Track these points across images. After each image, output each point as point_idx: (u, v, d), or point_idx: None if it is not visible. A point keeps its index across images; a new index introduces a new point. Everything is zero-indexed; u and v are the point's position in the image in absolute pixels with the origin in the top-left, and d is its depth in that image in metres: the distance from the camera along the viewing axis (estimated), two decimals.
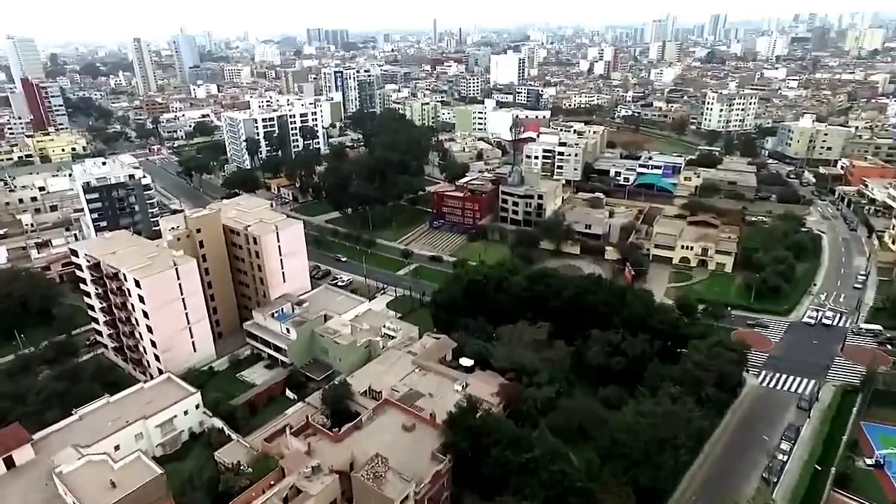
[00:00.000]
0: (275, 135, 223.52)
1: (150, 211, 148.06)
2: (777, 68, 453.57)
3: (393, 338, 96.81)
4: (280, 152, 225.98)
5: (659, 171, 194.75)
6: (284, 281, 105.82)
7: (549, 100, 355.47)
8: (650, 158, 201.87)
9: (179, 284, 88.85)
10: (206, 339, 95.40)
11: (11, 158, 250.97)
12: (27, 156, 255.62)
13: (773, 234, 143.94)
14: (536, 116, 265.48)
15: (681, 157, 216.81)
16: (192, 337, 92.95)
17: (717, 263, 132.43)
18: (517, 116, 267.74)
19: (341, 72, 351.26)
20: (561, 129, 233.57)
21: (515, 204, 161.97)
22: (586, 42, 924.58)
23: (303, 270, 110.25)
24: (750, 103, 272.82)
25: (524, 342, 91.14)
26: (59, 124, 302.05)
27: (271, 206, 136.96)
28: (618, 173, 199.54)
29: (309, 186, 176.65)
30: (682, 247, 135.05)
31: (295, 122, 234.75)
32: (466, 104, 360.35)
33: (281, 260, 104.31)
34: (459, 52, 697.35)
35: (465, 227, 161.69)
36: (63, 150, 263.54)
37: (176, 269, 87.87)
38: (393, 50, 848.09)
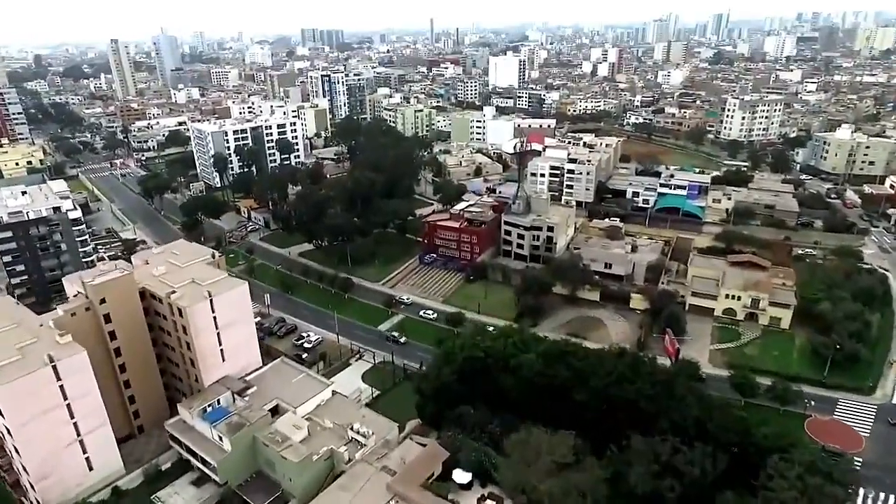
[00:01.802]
0: (247, 149, 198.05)
1: (82, 250, 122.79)
2: (791, 70, 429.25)
3: (363, 445, 71.97)
4: (254, 169, 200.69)
5: (683, 192, 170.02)
6: (224, 360, 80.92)
7: (553, 105, 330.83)
8: (672, 176, 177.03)
9: (61, 386, 63.80)
10: (106, 449, 70.44)
11: None
12: None
13: (831, 276, 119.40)
14: (541, 125, 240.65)
15: (704, 173, 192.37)
16: (84, 452, 68.03)
17: (770, 317, 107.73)
18: (519, 125, 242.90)
19: (329, 76, 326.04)
20: (569, 142, 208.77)
21: (521, 237, 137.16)
22: (587, 42, 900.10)
23: (249, 343, 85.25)
24: (774, 110, 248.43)
25: (541, 461, 66.33)
26: (18, 134, 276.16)
27: (222, 248, 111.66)
28: (636, 194, 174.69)
29: (280, 212, 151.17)
30: (727, 296, 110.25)
31: (272, 135, 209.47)
32: (464, 109, 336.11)
33: (218, 334, 79.35)
34: (457, 53, 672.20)
35: (461, 263, 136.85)
36: (17, 164, 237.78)
37: (54, 366, 62.83)
38: (388, 51, 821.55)
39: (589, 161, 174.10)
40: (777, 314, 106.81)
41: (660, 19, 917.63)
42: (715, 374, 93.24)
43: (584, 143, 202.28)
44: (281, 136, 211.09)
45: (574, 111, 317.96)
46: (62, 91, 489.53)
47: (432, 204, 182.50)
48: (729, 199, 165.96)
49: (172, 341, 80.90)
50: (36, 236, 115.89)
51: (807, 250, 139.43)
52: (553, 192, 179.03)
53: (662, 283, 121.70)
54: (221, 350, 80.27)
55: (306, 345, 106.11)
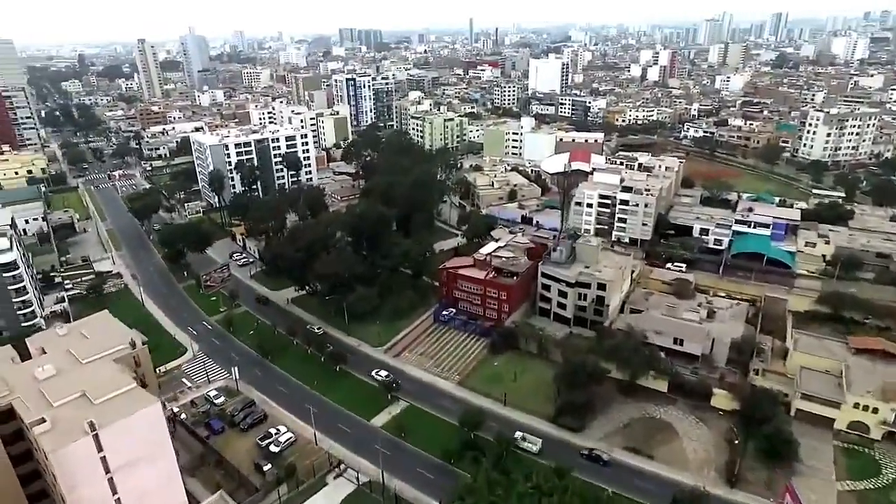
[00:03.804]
0: (249, 165, 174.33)
1: (19, 300, 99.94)
2: (872, 75, 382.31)
3: None
4: (258, 188, 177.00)
5: (766, 232, 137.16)
6: None
7: (599, 113, 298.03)
8: (750, 210, 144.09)
9: None
10: None
11: None
12: None
13: None
14: (586, 140, 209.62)
15: (786, 203, 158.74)
16: None
17: None
18: (561, 140, 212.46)
19: (354, 79, 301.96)
20: (621, 162, 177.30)
21: (563, 294, 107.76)
22: (633, 43, 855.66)
23: (168, 484, 59.10)
24: (867, 125, 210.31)
25: None
26: (27, 139, 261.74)
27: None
28: (704, 231, 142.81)
29: (269, 250, 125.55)
30: (857, 405, 78.63)
31: (279, 148, 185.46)
32: (500, 116, 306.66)
33: (110, 480, 53.57)
34: (496, 55, 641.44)
35: (485, 325, 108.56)
36: (16, 173, 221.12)
37: None
38: (426, 51, 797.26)
39: (648, 191, 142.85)
40: None
41: (713, 19, 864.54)
42: None
43: (640, 164, 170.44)
44: (290, 150, 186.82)
45: (623, 121, 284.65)
46: (94, 91, 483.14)
47: (456, 235, 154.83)
48: (827, 242, 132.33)
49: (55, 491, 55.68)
50: None
51: None
52: (602, 227, 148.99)
53: (754, 371, 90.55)
54: (117, 501, 54.40)
55: (273, 447, 79.83)
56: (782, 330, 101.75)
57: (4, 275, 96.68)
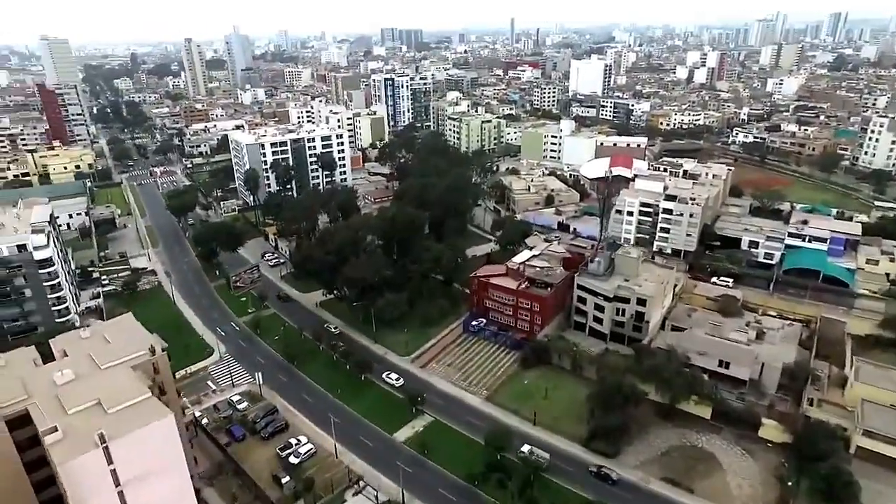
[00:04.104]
0: (284, 165, 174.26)
1: (54, 296, 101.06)
2: None
3: None
4: (293, 188, 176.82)
5: (823, 247, 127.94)
6: None
7: (642, 117, 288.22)
8: (805, 223, 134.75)
9: None
10: None
11: (5, 178, 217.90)
12: (24, 174, 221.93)
13: None
14: (628, 144, 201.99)
15: (845, 216, 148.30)
16: None
17: None
18: (602, 144, 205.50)
19: (392, 79, 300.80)
20: (664, 169, 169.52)
21: (600, 308, 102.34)
22: (679, 44, 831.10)
23: (181, 501, 57.11)
24: None
25: None
26: (77, 135, 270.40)
27: None
28: (754, 244, 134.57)
29: (298, 252, 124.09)
30: None
31: (314, 148, 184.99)
32: (539, 118, 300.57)
33: (120, 494, 51.85)
34: (536, 55, 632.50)
35: (517, 337, 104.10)
36: (65, 168, 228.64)
37: None
38: (466, 51, 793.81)
39: (693, 200, 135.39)
40: None
41: (765, 19, 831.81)
42: None
43: (685, 171, 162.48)
44: (325, 151, 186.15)
45: (667, 125, 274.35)
46: (143, 89, 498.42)
47: (490, 240, 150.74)
48: (891, 259, 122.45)
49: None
50: None
51: None
52: (643, 236, 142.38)
53: (808, 400, 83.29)
54: None
55: (293, 458, 77.57)
56: (840, 356, 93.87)
57: (40, 271, 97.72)
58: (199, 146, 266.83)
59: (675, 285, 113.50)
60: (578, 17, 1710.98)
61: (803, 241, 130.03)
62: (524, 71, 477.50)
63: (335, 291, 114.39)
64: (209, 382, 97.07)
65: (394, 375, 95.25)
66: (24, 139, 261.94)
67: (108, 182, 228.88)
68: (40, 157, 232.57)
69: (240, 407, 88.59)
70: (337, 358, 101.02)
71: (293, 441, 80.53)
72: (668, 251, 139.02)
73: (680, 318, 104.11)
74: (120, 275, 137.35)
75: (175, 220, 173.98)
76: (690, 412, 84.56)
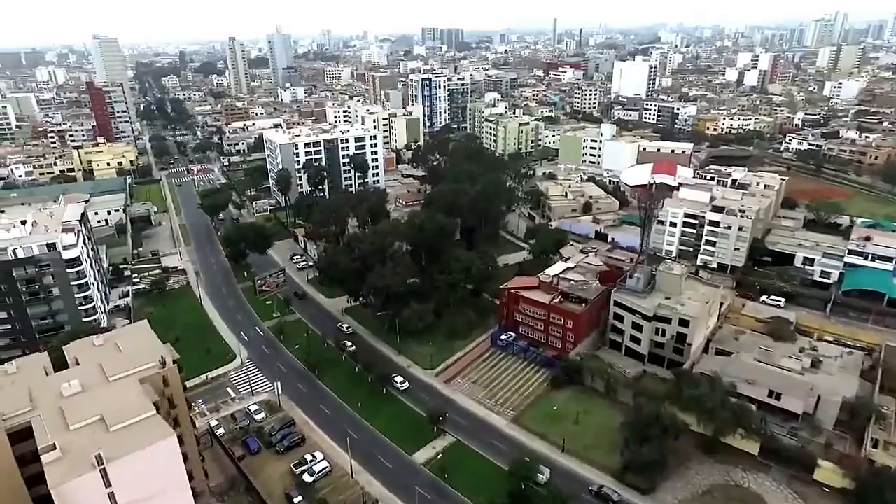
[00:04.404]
0: (316, 166, 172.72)
1: (80, 295, 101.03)
2: None
3: None
4: (325, 189, 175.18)
5: (889, 266, 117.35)
6: None
7: (688, 121, 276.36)
8: (868, 239, 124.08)
9: None
10: None
11: (52, 172, 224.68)
12: (69, 170, 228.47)
13: None
14: (673, 150, 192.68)
15: None
16: None
17: None
18: (644, 149, 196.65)
19: (430, 79, 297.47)
20: (711, 177, 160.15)
21: (637, 327, 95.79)
22: (728, 45, 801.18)
23: None
24: None
25: None
26: (121, 132, 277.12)
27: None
28: (808, 261, 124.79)
29: (323, 257, 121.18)
30: None
31: (348, 149, 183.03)
32: (579, 121, 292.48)
33: None
34: (579, 56, 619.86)
35: (548, 354, 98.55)
36: (108, 164, 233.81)
37: None
38: (506, 51, 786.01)
39: (743, 212, 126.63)
40: None
41: (822, 18, 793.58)
42: None
43: (734, 181, 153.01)
44: (359, 152, 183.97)
45: (715, 130, 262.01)
46: (189, 87, 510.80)
47: (522, 248, 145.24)
48: None
49: None
50: (22, 278, 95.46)
51: None
52: (686, 248, 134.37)
53: (872, 441, 75.02)
54: None
55: (307, 476, 74.30)
56: None
57: (68, 270, 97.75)
58: (237, 144, 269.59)
59: (721, 304, 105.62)
60: (623, 18, 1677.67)
61: (865, 259, 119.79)
62: (565, 72, 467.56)
63: (360, 298, 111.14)
64: (229, 389, 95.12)
65: (399, 379, 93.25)
66: (72, 135, 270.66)
67: (149, 179, 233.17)
68: (85, 153, 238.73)
69: (257, 418, 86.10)
70: (359, 369, 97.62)
71: (308, 457, 77.25)
72: (714, 266, 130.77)
73: (726, 341, 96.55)
74: (151, 273, 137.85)
75: (208, 219, 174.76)
76: (736, 447, 77.36)
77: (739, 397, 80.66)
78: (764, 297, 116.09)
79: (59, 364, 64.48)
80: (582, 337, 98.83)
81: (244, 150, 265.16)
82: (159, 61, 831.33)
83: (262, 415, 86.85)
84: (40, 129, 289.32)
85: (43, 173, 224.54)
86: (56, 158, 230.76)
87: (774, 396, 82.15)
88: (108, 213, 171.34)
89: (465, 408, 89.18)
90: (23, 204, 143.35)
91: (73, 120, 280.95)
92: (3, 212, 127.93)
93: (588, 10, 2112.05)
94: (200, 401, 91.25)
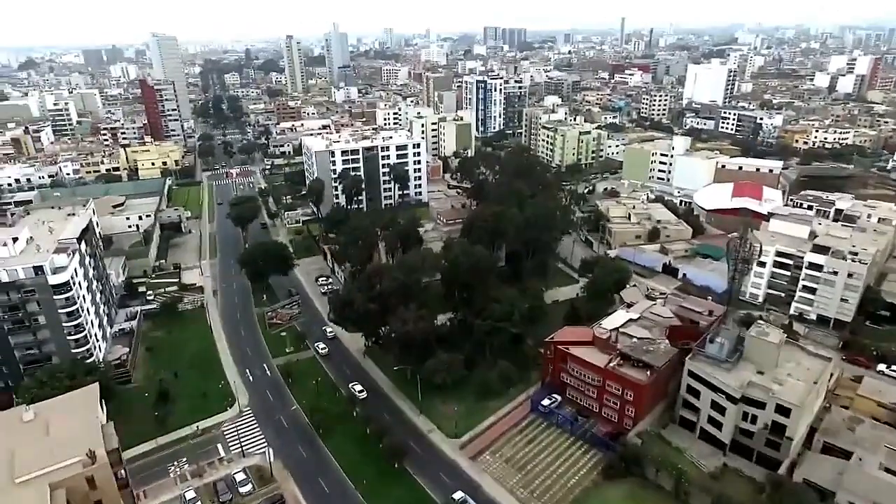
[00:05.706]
0: (351, 177, 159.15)
1: (70, 324, 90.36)
2: None
3: None
4: (363, 201, 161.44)
5: None
6: None
7: (773, 132, 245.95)
8: None
9: None
10: None
11: (98, 171, 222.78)
12: (115, 169, 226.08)
13: None
14: (758, 169, 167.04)
15: None
16: None
17: None
18: (724, 166, 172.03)
19: (484, 81, 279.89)
20: (809, 206, 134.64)
21: (719, 407, 75.08)
22: (815, 47, 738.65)
23: None
24: None
25: None
26: (171, 130, 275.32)
27: None
28: None
29: (342, 294, 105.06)
30: None
31: (388, 157, 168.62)
32: (646, 130, 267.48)
33: None
34: (647, 57, 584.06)
35: (601, 430, 79.66)
36: (153, 164, 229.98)
37: None
38: (570, 52, 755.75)
39: (855, 255, 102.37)
40: None
41: None
42: None
43: (839, 211, 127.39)
44: (400, 161, 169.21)
45: (805, 144, 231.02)
46: (249, 84, 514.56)
47: (576, 280, 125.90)
48: None
49: None
50: (5, 305, 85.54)
51: None
52: (776, 293, 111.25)
53: None
54: None
55: None
56: None
57: (55, 297, 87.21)
58: (282, 146, 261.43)
59: (829, 381, 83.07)
60: (696, 17, 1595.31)
61: None
62: (632, 75, 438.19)
63: (380, 342, 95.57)
64: (219, 446, 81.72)
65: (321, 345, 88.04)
66: (124, 133, 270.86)
67: (190, 180, 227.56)
68: (132, 151, 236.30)
69: (242, 490, 71.86)
70: (369, 431, 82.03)
71: None
72: (812, 317, 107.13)
73: (837, 433, 74.23)
74: (167, 290, 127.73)
75: (239, 229, 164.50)
76: None
77: None
78: (882, 367, 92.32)
79: None
80: (644, 412, 79.21)
81: (289, 153, 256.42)
82: (227, 58, 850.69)
83: (249, 487, 72.50)
84: (97, 126, 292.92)
85: (90, 172, 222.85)
86: (103, 157, 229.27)
87: None
88: (140, 218, 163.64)
89: (493, 497, 71.73)
90: (52, 208, 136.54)
91: (127, 117, 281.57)
92: (28, 214, 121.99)
93: (658, 10, 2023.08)
94: (184, 459, 78.46)
